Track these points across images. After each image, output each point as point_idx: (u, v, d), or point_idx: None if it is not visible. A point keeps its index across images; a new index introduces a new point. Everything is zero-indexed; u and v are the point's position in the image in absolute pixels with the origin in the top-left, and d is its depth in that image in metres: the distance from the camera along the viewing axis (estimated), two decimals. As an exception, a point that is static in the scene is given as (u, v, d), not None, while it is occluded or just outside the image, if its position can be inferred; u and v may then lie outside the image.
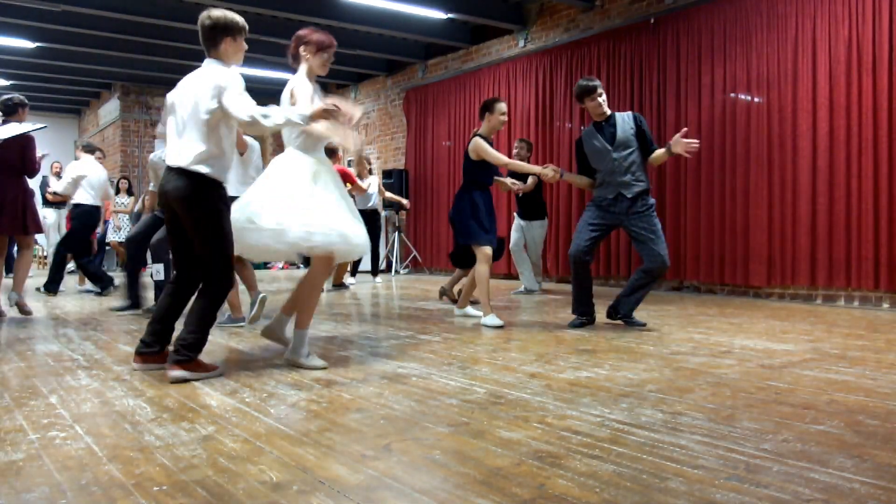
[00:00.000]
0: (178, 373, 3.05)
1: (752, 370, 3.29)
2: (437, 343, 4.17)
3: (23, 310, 5.61)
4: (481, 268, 4.96)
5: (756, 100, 7.05)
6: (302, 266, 13.66)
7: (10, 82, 13.61)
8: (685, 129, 4.61)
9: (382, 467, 1.92)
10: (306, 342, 3.44)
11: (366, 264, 9.68)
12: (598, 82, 4.71)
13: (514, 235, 7.81)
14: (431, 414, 2.50)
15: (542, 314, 5.69)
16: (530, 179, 6.87)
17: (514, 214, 8.01)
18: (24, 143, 5.40)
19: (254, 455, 2.06)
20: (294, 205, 3.32)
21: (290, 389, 2.91)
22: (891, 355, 3.70)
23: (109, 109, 15.23)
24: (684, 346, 3.97)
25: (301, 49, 3.50)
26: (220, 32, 3.16)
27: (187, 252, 3.25)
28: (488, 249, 4.95)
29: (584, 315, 4.87)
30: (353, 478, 1.84)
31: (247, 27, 3.27)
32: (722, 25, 7.35)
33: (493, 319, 4.89)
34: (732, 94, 7.28)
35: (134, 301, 5.88)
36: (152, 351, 3.30)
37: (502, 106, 5.11)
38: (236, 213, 3.35)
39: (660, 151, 4.70)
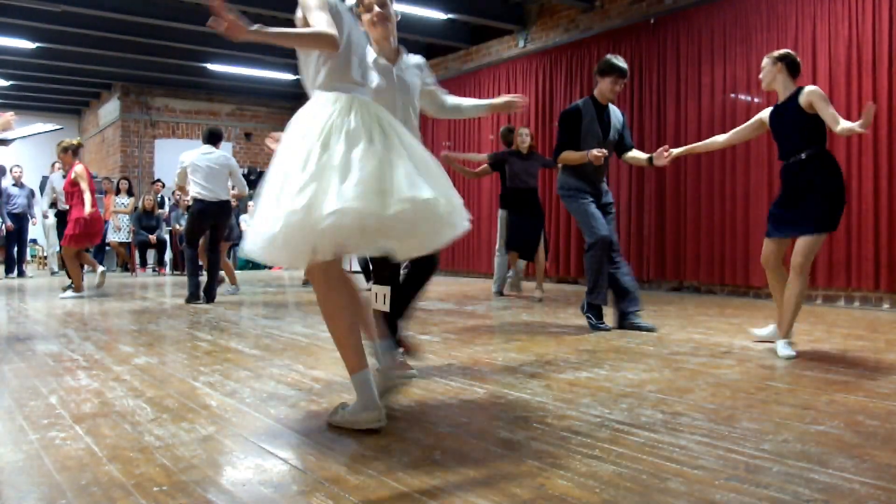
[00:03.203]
0: None
1: (752, 370, 3.29)
2: (437, 343, 4.17)
3: None
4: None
5: (756, 100, 7.05)
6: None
7: (11, 82, 13.61)
8: (666, 145, 4.63)
9: (382, 467, 1.92)
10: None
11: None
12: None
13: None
14: (432, 414, 2.50)
15: (543, 315, 5.69)
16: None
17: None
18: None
19: (253, 455, 2.06)
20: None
21: (290, 389, 2.90)
22: (891, 355, 3.70)
23: (109, 109, 15.22)
24: (684, 347, 3.97)
25: None
26: None
27: None
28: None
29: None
30: (353, 478, 1.84)
31: None
32: (722, 25, 7.35)
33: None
34: (732, 95, 7.28)
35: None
36: None
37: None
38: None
39: (640, 155, 4.71)
